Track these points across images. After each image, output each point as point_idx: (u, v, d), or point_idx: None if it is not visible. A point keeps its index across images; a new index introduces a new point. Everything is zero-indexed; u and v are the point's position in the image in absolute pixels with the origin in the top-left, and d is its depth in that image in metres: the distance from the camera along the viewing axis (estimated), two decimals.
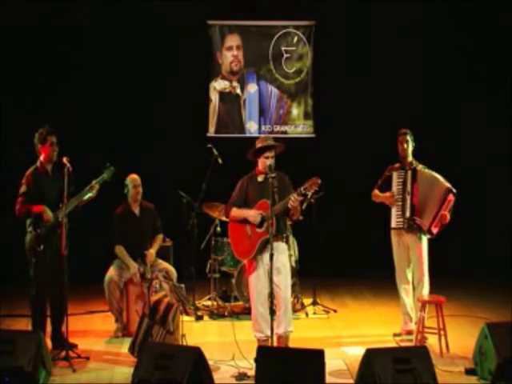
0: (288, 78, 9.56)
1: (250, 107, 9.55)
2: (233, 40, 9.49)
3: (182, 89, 9.02)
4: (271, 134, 9.13)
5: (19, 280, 6.52)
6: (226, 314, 7.32)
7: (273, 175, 5.54)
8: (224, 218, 7.04)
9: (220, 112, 9.53)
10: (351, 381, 5.30)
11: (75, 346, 6.13)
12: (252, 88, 9.54)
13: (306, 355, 4.84)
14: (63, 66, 8.86)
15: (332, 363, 5.56)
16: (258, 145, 5.86)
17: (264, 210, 5.71)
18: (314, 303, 7.60)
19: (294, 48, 9.53)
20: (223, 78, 9.52)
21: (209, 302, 7.69)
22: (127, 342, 6.11)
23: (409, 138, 6.51)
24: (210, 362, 5.05)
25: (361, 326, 7.03)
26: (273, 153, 5.79)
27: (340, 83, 9.20)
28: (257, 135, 8.98)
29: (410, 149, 6.52)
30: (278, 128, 9.56)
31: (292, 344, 5.80)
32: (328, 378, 4.90)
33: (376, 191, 6.62)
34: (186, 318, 6.56)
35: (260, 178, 5.89)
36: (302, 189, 5.55)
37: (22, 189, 6.05)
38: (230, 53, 9.49)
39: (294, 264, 7.26)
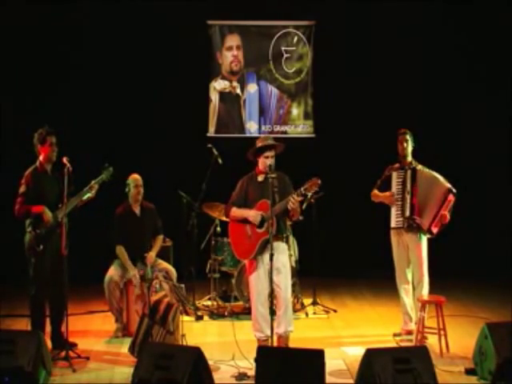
0: (288, 78, 9.56)
1: (250, 107, 9.55)
2: (233, 40, 9.49)
3: (182, 89, 9.02)
4: (271, 133, 9.13)
5: (19, 280, 6.52)
6: (225, 314, 7.32)
7: (273, 175, 5.54)
8: (224, 218, 7.04)
9: (220, 112, 9.53)
10: (351, 381, 5.30)
11: (75, 344, 6.13)
12: (252, 88, 9.54)
13: (305, 355, 4.84)
14: (63, 65, 8.87)
15: (332, 363, 5.55)
16: (258, 144, 5.86)
17: (264, 210, 5.71)
18: (314, 303, 7.60)
19: (293, 48, 9.54)
20: (223, 77, 9.52)
21: (209, 302, 7.69)
22: (127, 342, 6.11)
23: (408, 137, 6.51)
24: (210, 362, 5.04)
25: (361, 326, 7.02)
26: (273, 152, 5.79)
27: (340, 83, 9.20)
28: (257, 135, 8.98)
29: (410, 148, 6.52)
30: (277, 128, 9.56)
31: (292, 344, 5.81)
32: (328, 378, 4.90)
33: (375, 191, 6.62)
34: (186, 317, 6.57)
35: (260, 178, 5.89)
36: (302, 189, 5.56)
37: (22, 189, 6.05)
38: (230, 53, 9.49)
39: (294, 264, 7.26)
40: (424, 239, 6.45)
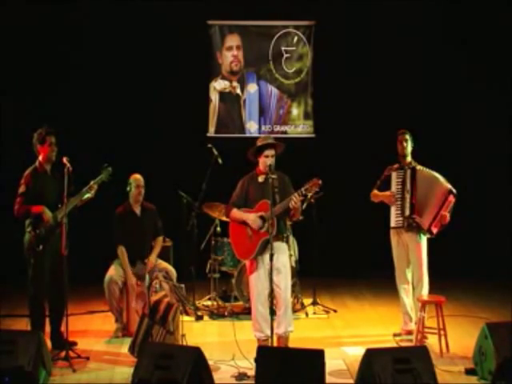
0: (288, 78, 9.56)
1: (250, 107, 9.55)
2: (233, 40, 9.49)
3: (181, 89, 9.02)
4: (271, 134, 9.12)
5: (19, 280, 6.52)
6: (226, 314, 7.32)
7: (274, 176, 5.54)
8: (224, 218, 7.05)
9: (220, 112, 9.53)
10: (351, 381, 5.30)
11: (75, 343, 6.14)
12: (252, 88, 9.54)
13: (305, 355, 4.84)
14: (63, 65, 8.87)
15: (332, 363, 5.56)
16: (259, 144, 5.86)
17: (264, 211, 5.70)
18: (314, 303, 7.59)
19: (294, 48, 9.54)
20: (223, 78, 9.52)
21: (209, 302, 7.69)
22: (127, 342, 6.11)
23: (408, 137, 6.52)
24: (210, 362, 5.04)
25: (361, 326, 7.02)
26: (273, 152, 5.79)
27: (340, 83, 9.20)
28: (257, 135, 8.98)
29: (409, 148, 6.53)
30: (278, 128, 9.56)
31: (292, 344, 5.80)
32: (328, 378, 4.90)
33: (375, 191, 6.62)
34: (186, 317, 6.57)
35: (261, 179, 5.89)
36: (302, 189, 5.56)
37: (21, 189, 6.05)
38: (230, 53, 9.49)
39: (294, 264, 7.26)
40: (424, 239, 6.45)
